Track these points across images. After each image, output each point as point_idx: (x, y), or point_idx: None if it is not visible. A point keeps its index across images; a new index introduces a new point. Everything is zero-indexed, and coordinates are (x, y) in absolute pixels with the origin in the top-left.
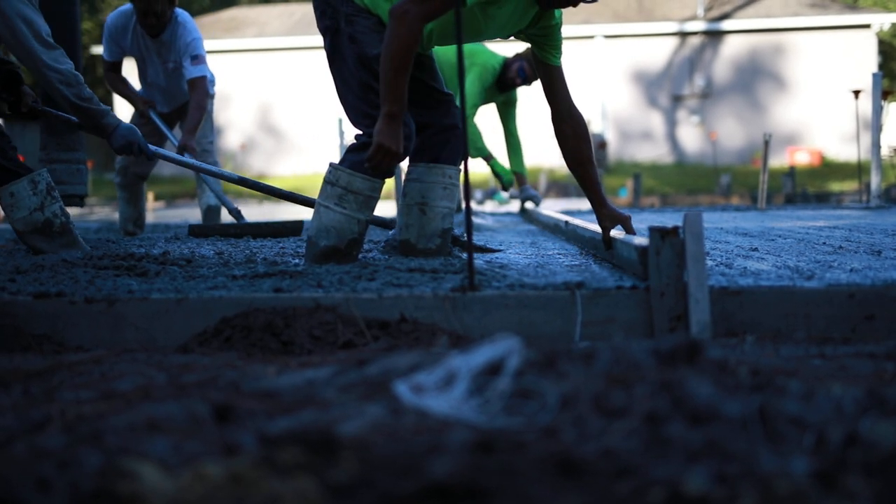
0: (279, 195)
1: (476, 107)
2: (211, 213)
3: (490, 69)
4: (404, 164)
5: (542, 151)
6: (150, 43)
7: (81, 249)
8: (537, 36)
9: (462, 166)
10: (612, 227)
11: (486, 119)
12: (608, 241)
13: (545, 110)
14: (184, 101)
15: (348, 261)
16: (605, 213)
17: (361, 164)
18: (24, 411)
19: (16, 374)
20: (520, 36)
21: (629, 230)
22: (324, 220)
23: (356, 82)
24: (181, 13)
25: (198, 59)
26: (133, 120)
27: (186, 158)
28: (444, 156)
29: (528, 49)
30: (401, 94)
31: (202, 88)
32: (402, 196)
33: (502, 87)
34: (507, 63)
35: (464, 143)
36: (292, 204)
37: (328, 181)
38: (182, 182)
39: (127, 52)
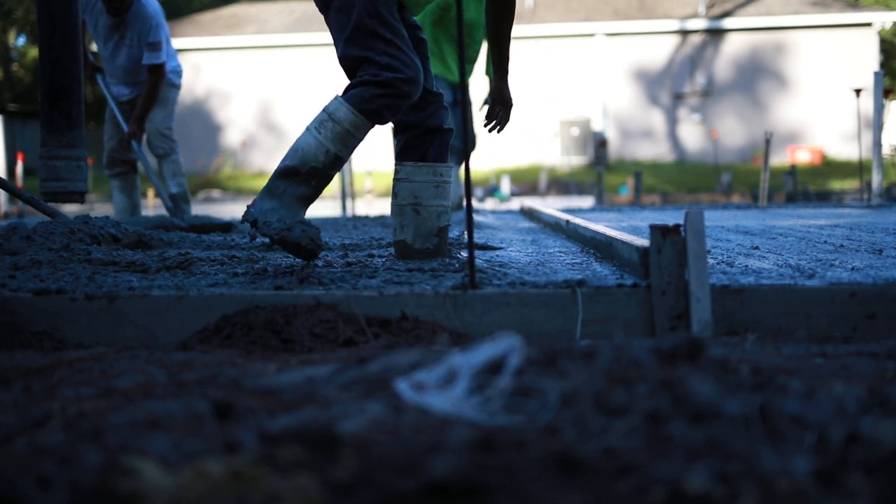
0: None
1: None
2: (176, 200)
3: None
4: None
5: (542, 151)
6: (109, 21)
7: None
8: None
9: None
10: (497, 103)
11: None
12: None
13: (543, 112)
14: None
15: (304, 189)
16: (499, 87)
17: (353, 97)
18: (24, 408)
19: (16, 372)
20: None
21: (507, 110)
22: (300, 140)
23: (363, 34)
24: None
25: (153, 45)
26: (108, 113)
27: None
28: (432, 154)
29: None
30: None
31: (157, 75)
32: (393, 197)
33: None
34: None
35: (463, 143)
36: None
37: (325, 107)
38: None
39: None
